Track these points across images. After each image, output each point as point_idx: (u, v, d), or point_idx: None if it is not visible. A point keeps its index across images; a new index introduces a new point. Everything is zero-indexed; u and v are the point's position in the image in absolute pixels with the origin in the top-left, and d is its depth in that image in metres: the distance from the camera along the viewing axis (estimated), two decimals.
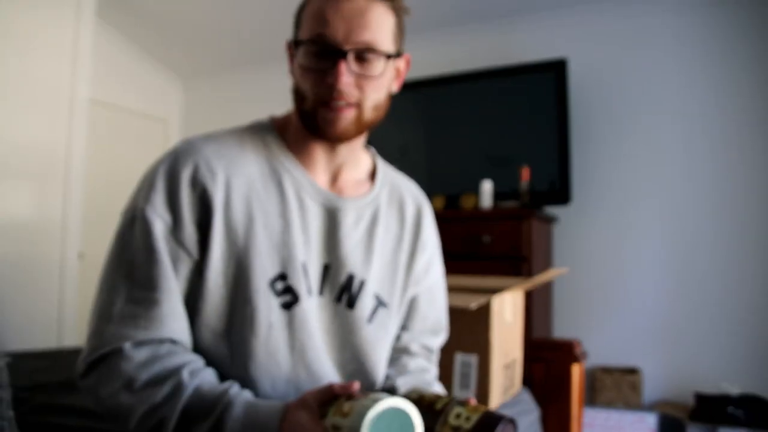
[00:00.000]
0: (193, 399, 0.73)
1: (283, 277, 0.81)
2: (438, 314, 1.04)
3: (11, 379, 1.49)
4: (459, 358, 1.35)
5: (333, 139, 0.83)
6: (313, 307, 0.83)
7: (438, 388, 0.97)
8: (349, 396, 0.68)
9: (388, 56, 0.81)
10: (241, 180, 0.82)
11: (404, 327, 1.00)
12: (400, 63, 0.89)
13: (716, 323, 2.62)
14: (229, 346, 0.80)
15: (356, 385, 0.70)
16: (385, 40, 0.81)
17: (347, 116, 0.81)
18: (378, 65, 0.80)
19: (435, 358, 1.04)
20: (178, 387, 0.73)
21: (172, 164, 0.81)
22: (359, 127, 0.83)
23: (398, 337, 1.00)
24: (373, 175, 0.97)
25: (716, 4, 2.71)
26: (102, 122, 3.64)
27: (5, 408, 1.18)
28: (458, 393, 1.34)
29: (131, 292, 0.77)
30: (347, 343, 0.87)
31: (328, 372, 0.84)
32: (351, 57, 0.78)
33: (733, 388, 2.37)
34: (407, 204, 0.99)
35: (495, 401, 1.35)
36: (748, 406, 2.30)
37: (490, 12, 3.11)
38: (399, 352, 0.99)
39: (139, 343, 0.75)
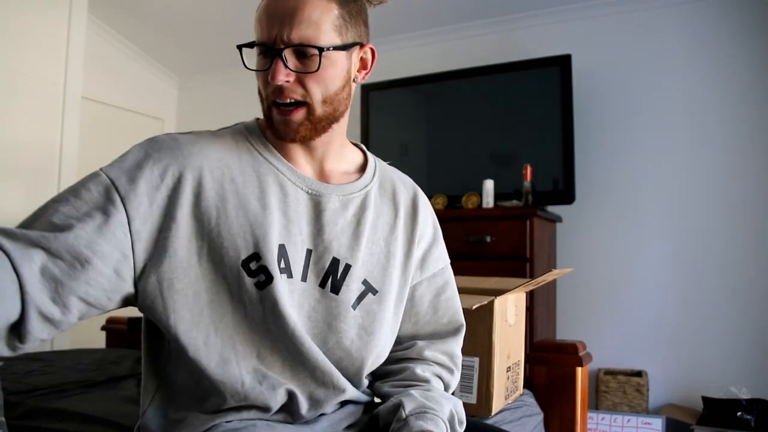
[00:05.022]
0: None
1: (256, 257, 0.81)
2: (452, 308, 1.02)
3: (2, 383, 1.46)
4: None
5: (289, 140, 0.86)
6: (295, 290, 0.84)
7: (446, 402, 0.92)
8: None
9: (326, 49, 0.82)
10: (214, 164, 0.83)
11: (415, 323, 0.98)
12: (364, 53, 0.90)
13: (724, 325, 2.58)
14: (208, 323, 0.80)
15: None
16: (324, 34, 0.82)
17: (296, 117, 0.83)
18: (316, 60, 0.81)
19: (459, 361, 1.01)
20: None
21: (147, 145, 0.83)
22: (313, 124, 0.85)
23: (412, 345, 0.97)
24: (363, 169, 0.97)
25: None
26: (97, 120, 3.62)
27: None
28: (459, 396, 1.31)
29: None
30: (332, 328, 0.87)
31: (309, 349, 0.83)
32: (288, 54, 0.81)
33: (742, 392, 2.33)
34: (400, 193, 0.99)
35: (497, 404, 1.32)
36: (757, 411, 2.26)
37: (493, 10, 3.09)
38: (410, 361, 0.97)
39: None
